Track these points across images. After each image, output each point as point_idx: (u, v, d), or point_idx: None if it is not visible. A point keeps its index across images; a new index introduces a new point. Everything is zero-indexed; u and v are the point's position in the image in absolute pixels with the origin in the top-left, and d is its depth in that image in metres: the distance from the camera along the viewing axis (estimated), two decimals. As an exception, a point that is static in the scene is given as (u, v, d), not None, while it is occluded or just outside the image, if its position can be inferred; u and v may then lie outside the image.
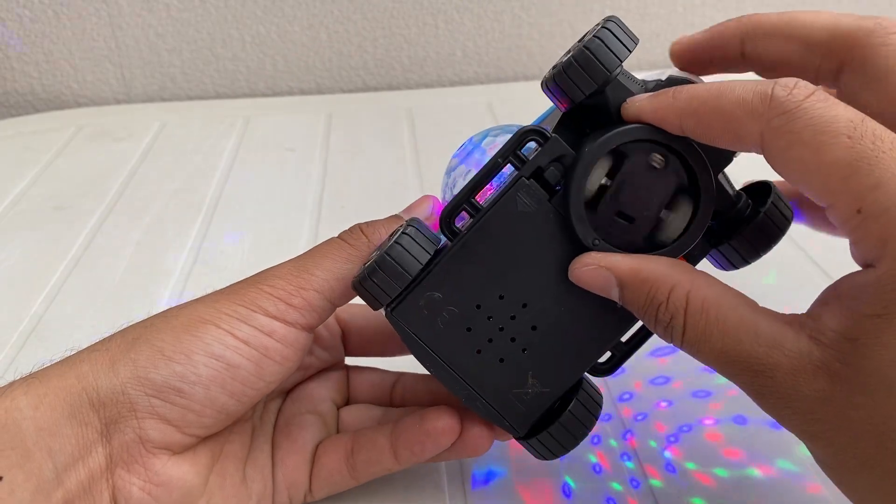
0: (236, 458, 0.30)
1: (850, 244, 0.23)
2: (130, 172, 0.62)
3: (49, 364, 0.27)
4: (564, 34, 0.78)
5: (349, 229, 0.30)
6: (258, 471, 0.30)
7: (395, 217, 0.30)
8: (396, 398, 0.34)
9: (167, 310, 0.28)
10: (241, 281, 0.29)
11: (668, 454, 0.33)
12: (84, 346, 0.28)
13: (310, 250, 0.29)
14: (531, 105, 0.73)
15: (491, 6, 0.77)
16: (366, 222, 0.30)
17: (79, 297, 0.46)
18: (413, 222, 0.27)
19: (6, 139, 0.70)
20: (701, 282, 0.25)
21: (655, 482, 0.32)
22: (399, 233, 0.27)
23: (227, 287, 0.29)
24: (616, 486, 0.32)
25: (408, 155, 0.63)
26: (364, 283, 0.27)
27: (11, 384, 0.26)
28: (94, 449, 0.26)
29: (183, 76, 0.78)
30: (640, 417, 0.35)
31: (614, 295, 0.26)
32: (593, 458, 0.33)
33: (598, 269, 0.26)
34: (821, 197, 0.23)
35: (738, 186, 0.29)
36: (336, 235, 0.30)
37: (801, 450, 0.30)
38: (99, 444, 0.26)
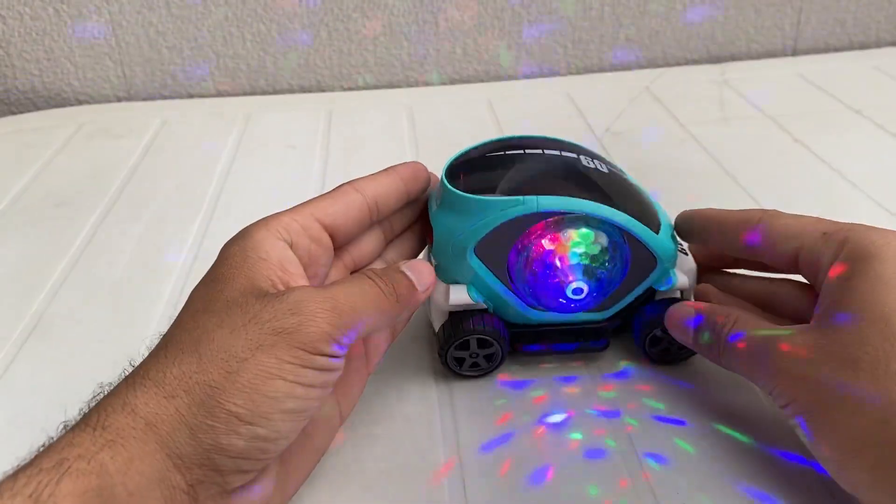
0: (297, 453, 0.31)
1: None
2: (131, 170, 0.62)
3: (111, 409, 0.26)
4: (564, 32, 0.78)
5: (395, 279, 0.32)
6: (325, 424, 0.33)
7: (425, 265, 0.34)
8: None
9: (218, 357, 0.27)
10: (287, 308, 0.28)
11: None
12: (140, 357, 0.29)
13: (355, 285, 0.30)
14: (530, 103, 0.74)
15: (490, 4, 0.77)
16: (410, 272, 0.33)
17: (80, 295, 0.46)
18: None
19: (7, 136, 0.70)
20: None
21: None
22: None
23: (277, 320, 0.28)
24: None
25: (408, 152, 0.64)
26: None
27: (91, 443, 0.25)
28: None
29: (183, 74, 0.78)
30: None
31: (690, 322, 0.35)
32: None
33: (686, 308, 0.35)
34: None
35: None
36: (380, 280, 0.31)
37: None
38: (187, 502, 0.26)
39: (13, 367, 0.40)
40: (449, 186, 0.35)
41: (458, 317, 0.36)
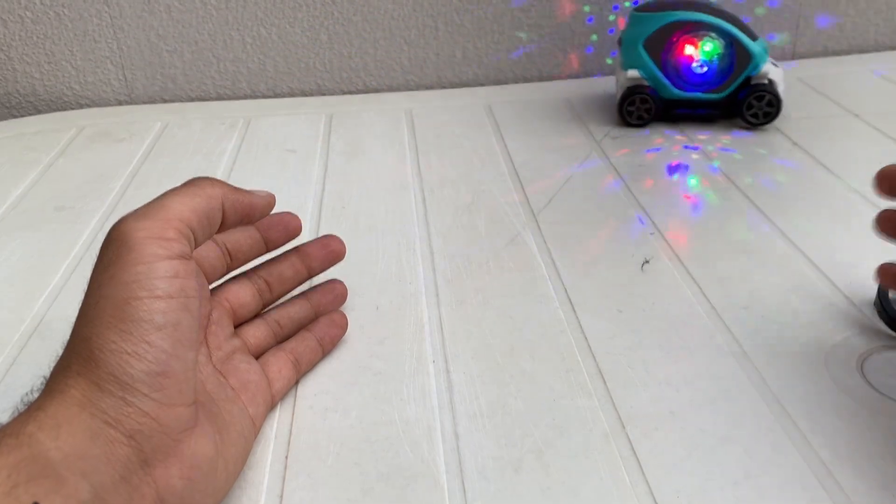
0: (223, 419, 0.32)
1: None
2: (132, 173, 0.63)
3: (32, 398, 0.28)
4: (563, 36, 0.79)
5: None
6: (240, 413, 0.33)
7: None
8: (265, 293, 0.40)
9: (83, 308, 0.29)
10: (111, 243, 0.29)
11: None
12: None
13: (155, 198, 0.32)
14: (530, 107, 0.74)
15: (490, 8, 0.77)
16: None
17: (80, 298, 0.46)
18: None
19: (8, 140, 0.70)
20: None
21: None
22: None
23: (105, 258, 0.29)
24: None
25: (408, 155, 0.64)
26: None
27: (19, 424, 0.26)
28: (128, 461, 0.27)
29: (184, 77, 0.78)
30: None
31: None
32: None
33: None
34: None
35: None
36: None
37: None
38: (133, 455, 0.27)
39: (14, 369, 0.41)
40: (633, 12, 0.65)
41: (631, 90, 0.65)
